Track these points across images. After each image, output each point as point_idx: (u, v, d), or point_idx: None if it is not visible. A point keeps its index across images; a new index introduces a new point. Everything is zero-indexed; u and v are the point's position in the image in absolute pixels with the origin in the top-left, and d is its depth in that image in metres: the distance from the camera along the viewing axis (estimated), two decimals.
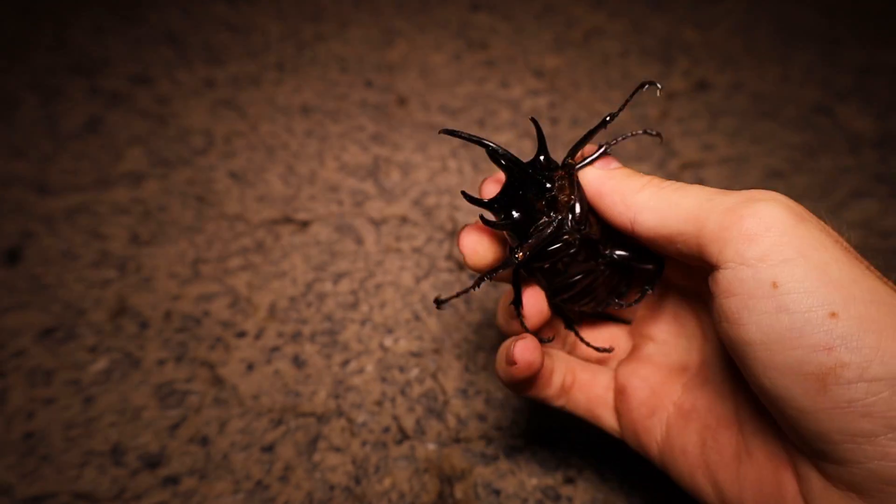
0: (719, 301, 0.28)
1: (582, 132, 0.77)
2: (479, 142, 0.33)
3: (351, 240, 0.62)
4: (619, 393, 0.38)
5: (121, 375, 0.51)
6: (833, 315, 0.25)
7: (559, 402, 0.38)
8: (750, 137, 0.76)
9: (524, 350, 0.35)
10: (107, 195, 0.65)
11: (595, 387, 0.39)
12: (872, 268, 0.28)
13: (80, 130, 0.72)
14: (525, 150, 0.72)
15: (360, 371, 0.52)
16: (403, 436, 0.48)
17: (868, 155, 0.74)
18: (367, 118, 0.76)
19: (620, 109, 0.34)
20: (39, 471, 0.45)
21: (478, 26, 0.92)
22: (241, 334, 0.54)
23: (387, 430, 0.48)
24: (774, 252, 0.26)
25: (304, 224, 0.63)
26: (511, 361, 0.35)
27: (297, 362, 0.52)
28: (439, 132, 0.34)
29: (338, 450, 0.47)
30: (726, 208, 0.28)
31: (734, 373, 0.34)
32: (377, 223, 0.64)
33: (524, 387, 0.37)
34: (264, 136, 0.73)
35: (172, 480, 0.45)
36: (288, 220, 0.64)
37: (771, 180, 0.70)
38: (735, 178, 0.70)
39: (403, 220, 0.64)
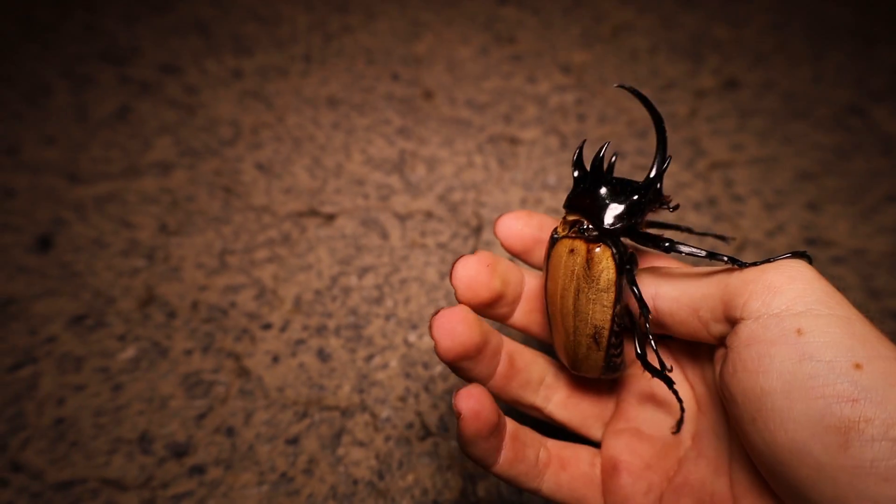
0: (738, 352, 0.28)
1: (609, 130, 0.76)
2: (654, 114, 0.33)
3: (376, 234, 0.62)
4: (611, 469, 0.35)
5: (149, 364, 0.52)
6: (858, 366, 0.25)
7: (534, 484, 0.34)
8: (781, 138, 0.75)
9: (468, 397, 0.30)
10: (136, 184, 0.66)
11: (579, 463, 0.35)
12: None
13: (110, 119, 0.73)
14: (551, 147, 0.72)
15: (385, 366, 0.52)
16: (427, 432, 0.48)
17: None
18: (394, 111, 0.76)
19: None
20: (69, 456, 0.46)
21: (505, 20, 0.92)
22: (267, 326, 0.54)
23: (410, 426, 0.49)
24: (799, 301, 0.26)
25: (330, 217, 0.64)
26: (457, 415, 0.30)
27: (322, 356, 0.53)
28: (615, 85, 0.34)
29: (361, 444, 0.47)
30: (749, 268, 0.29)
31: (728, 447, 0.33)
32: (402, 218, 0.64)
33: (486, 452, 0.32)
34: (291, 128, 0.73)
35: (199, 470, 0.46)
36: (314, 212, 0.64)
37: (801, 182, 0.69)
38: (764, 179, 0.70)
39: (429, 215, 0.64)
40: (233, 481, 0.45)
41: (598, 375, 0.35)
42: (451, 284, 0.34)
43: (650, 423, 0.36)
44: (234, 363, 0.52)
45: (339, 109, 0.76)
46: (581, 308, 0.33)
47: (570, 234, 0.33)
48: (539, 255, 0.37)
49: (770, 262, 0.29)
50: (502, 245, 0.37)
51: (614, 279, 0.32)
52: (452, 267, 0.34)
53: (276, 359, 0.52)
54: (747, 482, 0.30)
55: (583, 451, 0.36)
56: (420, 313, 0.56)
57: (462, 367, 0.33)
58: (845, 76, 0.84)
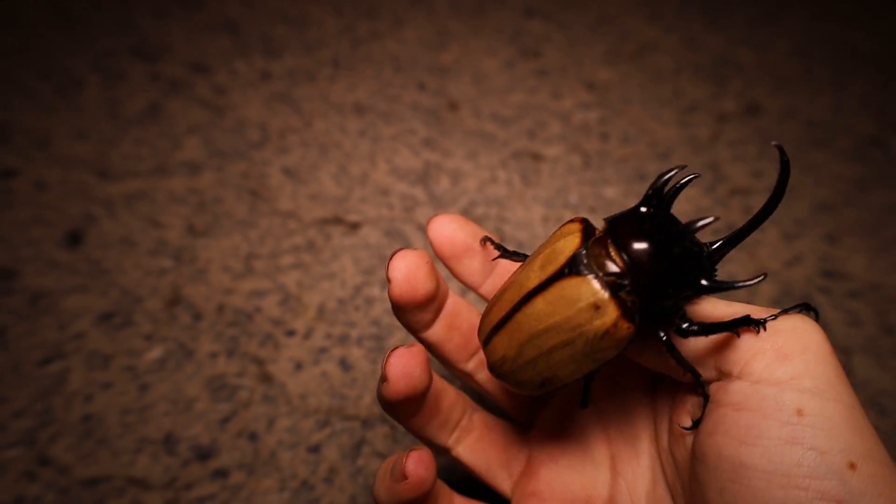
0: (724, 413, 0.25)
1: (631, 150, 0.76)
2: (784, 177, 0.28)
3: (400, 245, 0.63)
4: None
5: (175, 365, 0.53)
6: (852, 466, 0.23)
7: None
8: (801, 166, 0.76)
9: (419, 463, 0.29)
10: (164, 183, 0.67)
11: None
12: None
13: (141, 116, 0.74)
14: (573, 165, 0.73)
15: None
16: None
17: None
18: (419, 122, 0.77)
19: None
20: (96, 454, 0.47)
21: (532, 33, 0.92)
22: (291, 333, 0.56)
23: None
24: (807, 378, 0.24)
25: (355, 226, 0.65)
26: (402, 476, 0.29)
27: (344, 365, 0.54)
28: (774, 144, 0.28)
29: (381, 455, 0.49)
30: (763, 325, 0.26)
31: None
32: (426, 230, 0.65)
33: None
34: (318, 134, 0.74)
35: (222, 473, 0.47)
36: (339, 220, 0.65)
37: (820, 213, 0.70)
38: (784, 208, 0.70)
39: None
40: (255, 486, 0.46)
41: (516, 392, 0.33)
42: (387, 277, 0.31)
43: (560, 483, 0.34)
44: (258, 368, 0.53)
45: (365, 117, 0.77)
46: (555, 357, 0.28)
47: (603, 282, 0.27)
48: (467, 266, 0.34)
49: (778, 316, 0.26)
50: (432, 246, 0.34)
51: (611, 358, 0.28)
52: (390, 260, 0.31)
53: (299, 366, 0.53)
54: None
55: None
56: None
57: (402, 410, 0.33)
58: (867, 107, 0.85)
